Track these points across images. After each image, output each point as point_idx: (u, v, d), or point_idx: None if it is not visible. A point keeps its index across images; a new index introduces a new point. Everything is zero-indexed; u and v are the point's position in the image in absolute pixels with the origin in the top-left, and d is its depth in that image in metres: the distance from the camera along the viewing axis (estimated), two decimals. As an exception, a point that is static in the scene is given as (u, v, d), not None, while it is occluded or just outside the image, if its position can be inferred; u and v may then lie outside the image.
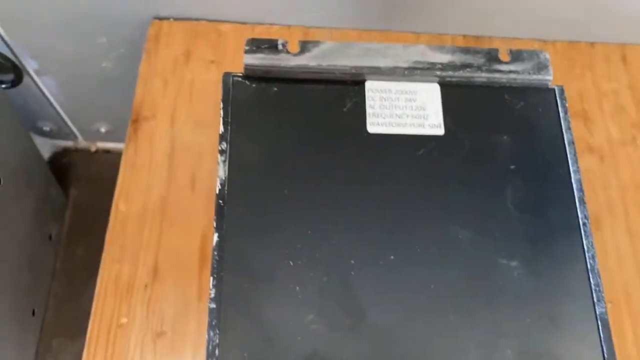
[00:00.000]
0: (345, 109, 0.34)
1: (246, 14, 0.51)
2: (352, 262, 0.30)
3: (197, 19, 0.51)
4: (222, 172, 0.32)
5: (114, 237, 0.40)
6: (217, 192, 0.31)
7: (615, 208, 0.44)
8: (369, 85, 0.35)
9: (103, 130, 0.76)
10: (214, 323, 0.29)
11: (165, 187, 0.43)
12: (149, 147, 0.44)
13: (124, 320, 0.38)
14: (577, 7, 0.48)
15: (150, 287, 0.39)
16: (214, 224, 0.30)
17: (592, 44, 0.52)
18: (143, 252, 0.40)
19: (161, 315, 0.38)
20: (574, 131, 0.46)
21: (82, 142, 0.83)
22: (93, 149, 0.82)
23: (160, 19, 0.51)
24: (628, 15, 0.49)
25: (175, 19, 0.51)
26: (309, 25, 0.51)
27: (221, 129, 0.33)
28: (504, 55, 0.35)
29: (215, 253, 0.30)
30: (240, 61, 0.50)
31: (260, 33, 0.50)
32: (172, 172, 0.43)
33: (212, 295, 0.29)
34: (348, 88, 0.35)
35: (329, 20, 0.50)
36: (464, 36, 0.51)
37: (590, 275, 0.31)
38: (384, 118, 0.34)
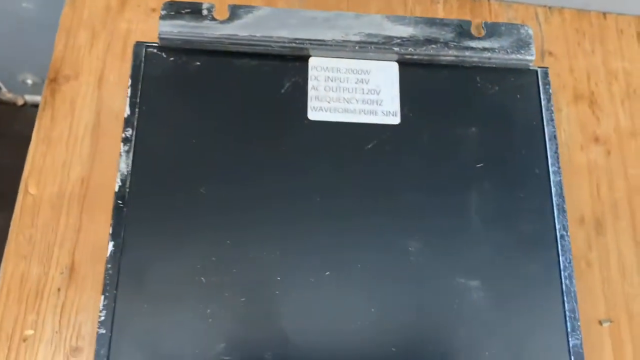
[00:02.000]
0: (282, 90, 0.28)
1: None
2: (278, 278, 0.25)
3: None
4: (124, 165, 0.26)
5: (20, 227, 0.35)
6: (116, 190, 0.26)
7: (622, 210, 0.38)
8: (313, 62, 0.29)
9: (29, 82, 0.68)
10: (102, 353, 0.23)
11: (87, 166, 0.37)
12: (69, 115, 0.38)
13: (29, 332, 0.33)
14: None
15: (65, 292, 0.34)
16: (110, 230, 0.25)
17: (604, 14, 0.45)
18: (57, 248, 0.35)
19: (77, 327, 0.33)
20: (578, 116, 0.40)
21: (6, 95, 0.74)
22: (20, 102, 0.74)
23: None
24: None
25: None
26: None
27: (127, 111, 0.27)
28: (477, 29, 0.29)
29: (109, 266, 0.25)
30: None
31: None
32: (97, 147, 0.37)
33: (102, 319, 0.24)
34: (287, 65, 0.29)
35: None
36: (457, -5, 0.44)
37: (565, 299, 0.26)
38: (329, 102, 0.28)
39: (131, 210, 0.25)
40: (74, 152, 0.37)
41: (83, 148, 0.38)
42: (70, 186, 0.36)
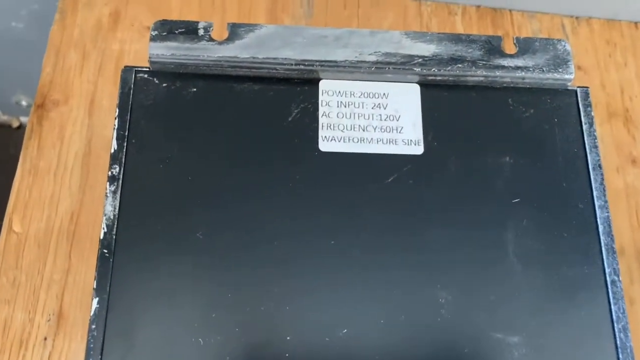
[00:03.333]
0: (290, 118, 0.25)
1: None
2: (288, 338, 0.22)
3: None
4: (110, 207, 0.23)
5: (3, 269, 0.32)
6: (102, 237, 0.22)
7: (668, 240, 0.35)
8: (324, 85, 0.26)
9: (24, 103, 0.66)
10: None
11: (77, 199, 0.34)
12: (58, 143, 0.35)
13: (11, 386, 0.30)
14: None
15: (52, 341, 0.31)
16: (94, 285, 0.22)
17: (636, 23, 0.42)
18: (43, 292, 0.32)
19: (65, 382, 0.30)
20: (613, 135, 0.37)
21: (0, 117, 0.72)
22: (15, 124, 0.71)
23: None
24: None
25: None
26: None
27: (113, 145, 0.24)
28: (509, 46, 0.26)
29: (93, 327, 0.21)
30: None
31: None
32: (87, 178, 0.34)
33: (84, 390, 0.21)
34: (295, 89, 0.25)
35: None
36: (478, 7, 0.41)
37: (621, 357, 0.23)
38: (343, 131, 0.25)
39: (119, 261, 0.22)
40: (62, 184, 0.34)
41: (72, 179, 0.35)
42: (59, 222, 0.33)
